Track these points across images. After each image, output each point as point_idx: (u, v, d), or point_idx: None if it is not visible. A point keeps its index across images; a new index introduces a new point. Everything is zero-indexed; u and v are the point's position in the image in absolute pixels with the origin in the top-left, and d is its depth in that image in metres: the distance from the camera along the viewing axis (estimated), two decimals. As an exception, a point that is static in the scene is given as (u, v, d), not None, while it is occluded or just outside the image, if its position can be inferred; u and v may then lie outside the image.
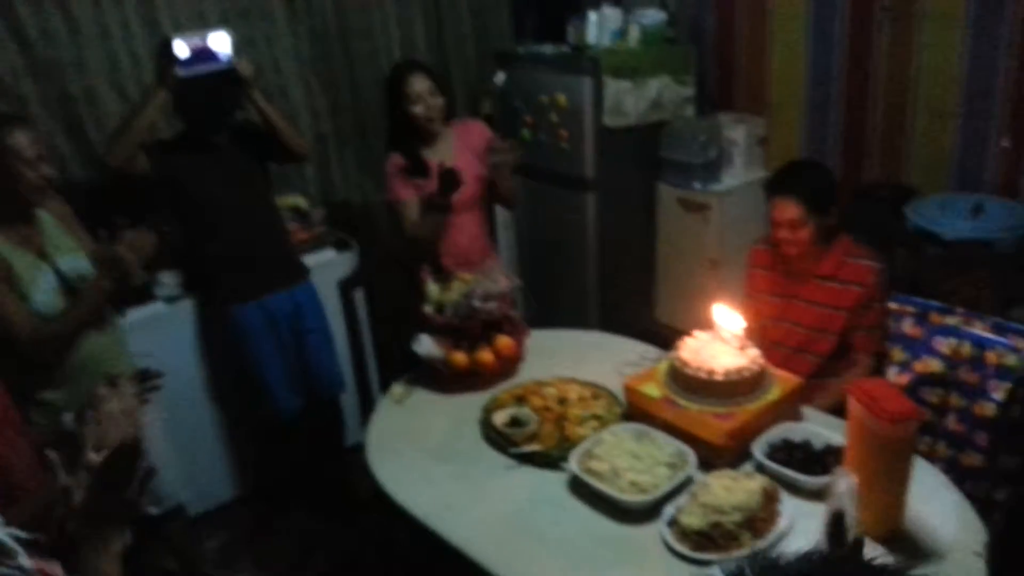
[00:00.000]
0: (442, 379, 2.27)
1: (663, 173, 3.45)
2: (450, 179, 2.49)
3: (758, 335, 2.32)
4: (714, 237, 3.28)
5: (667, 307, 3.57)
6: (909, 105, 3.04)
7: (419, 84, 2.57)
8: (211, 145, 2.56)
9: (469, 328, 2.29)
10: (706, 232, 3.31)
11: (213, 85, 2.44)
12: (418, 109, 2.58)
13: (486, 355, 2.26)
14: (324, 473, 3.02)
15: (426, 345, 2.28)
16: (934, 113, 2.98)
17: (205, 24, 2.97)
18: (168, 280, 2.78)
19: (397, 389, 2.29)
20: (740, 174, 3.36)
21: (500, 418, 2.03)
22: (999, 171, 2.85)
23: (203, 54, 2.39)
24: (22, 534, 1.24)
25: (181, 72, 2.36)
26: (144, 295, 2.72)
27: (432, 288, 2.39)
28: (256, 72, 2.59)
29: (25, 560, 1.17)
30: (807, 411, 2.01)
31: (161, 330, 2.72)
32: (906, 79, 3.02)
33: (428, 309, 2.34)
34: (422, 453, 2.00)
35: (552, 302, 3.60)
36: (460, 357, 2.25)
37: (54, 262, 2.11)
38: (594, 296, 3.49)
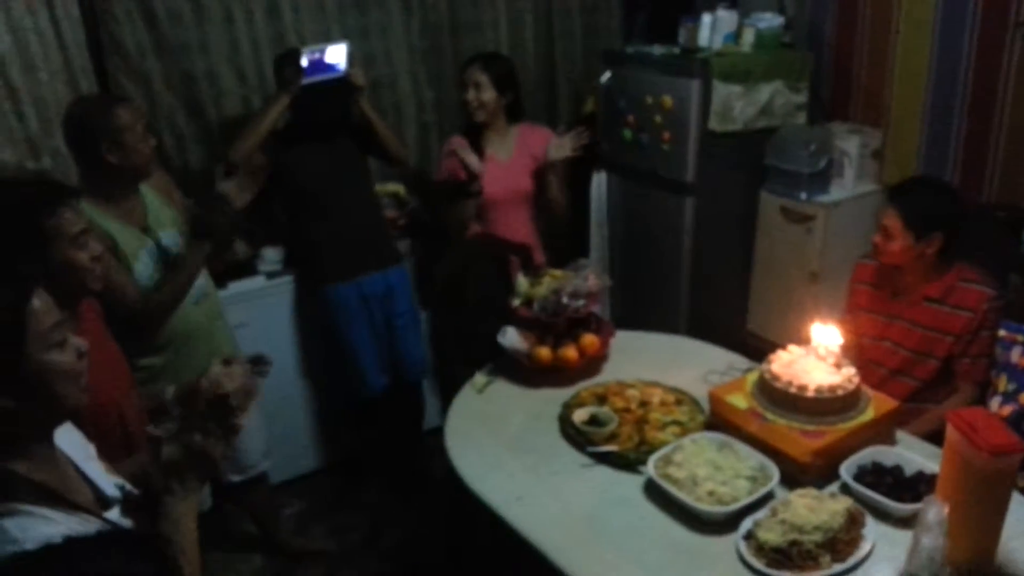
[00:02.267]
0: (524, 372, 2.29)
1: (767, 181, 3.35)
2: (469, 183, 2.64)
3: (856, 353, 2.24)
4: (816, 250, 3.16)
5: (761, 318, 3.47)
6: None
7: (475, 74, 2.71)
8: (322, 137, 2.72)
9: (555, 324, 2.30)
10: (808, 244, 3.19)
11: (328, 92, 2.64)
12: (468, 95, 2.71)
13: (570, 352, 2.26)
14: (402, 453, 3.10)
15: (511, 337, 2.30)
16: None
17: (324, 12, 3.10)
18: (271, 256, 2.92)
19: (479, 378, 2.31)
20: (850, 186, 3.23)
21: (580, 416, 2.02)
22: None
23: (321, 64, 2.62)
24: (128, 487, 1.32)
25: (302, 80, 2.60)
26: (247, 269, 2.85)
27: (522, 281, 2.41)
28: (367, 82, 2.78)
29: (116, 515, 1.23)
30: (902, 436, 1.92)
31: (260, 303, 2.86)
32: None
33: (516, 302, 2.36)
34: (499, 443, 2.02)
35: (642, 304, 3.56)
36: (544, 352, 2.26)
37: (156, 236, 2.20)
38: (685, 301, 3.42)
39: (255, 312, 2.82)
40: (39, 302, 1.08)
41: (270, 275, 2.91)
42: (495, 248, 2.77)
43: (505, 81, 2.77)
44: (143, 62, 2.84)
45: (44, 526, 1.00)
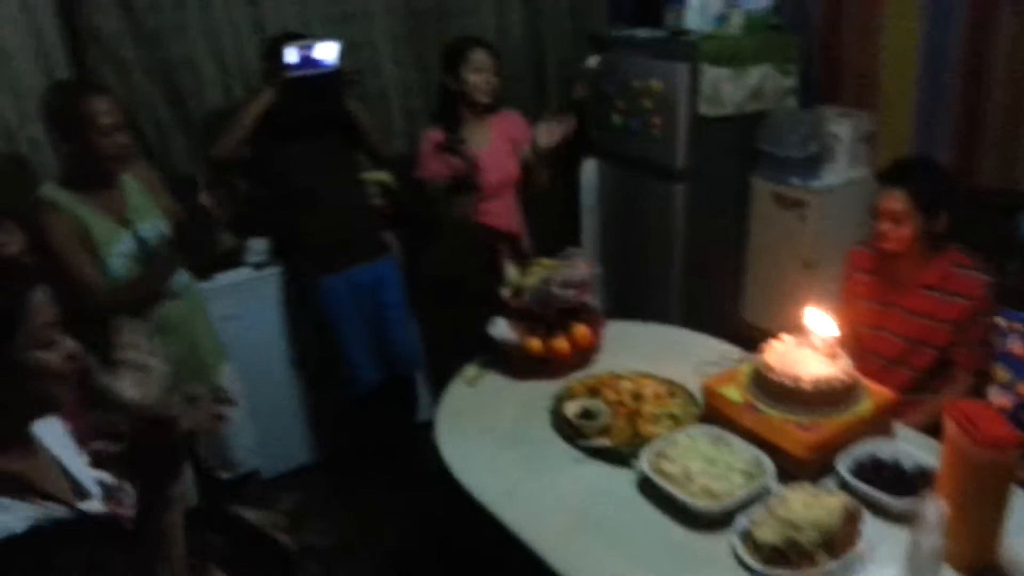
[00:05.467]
0: (515, 364, 2.25)
1: (759, 166, 3.31)
2: (460, 150, 2.63)
3: (852, 343, 2.20)
4: (810, 237, 3.13)
5: (756, 307, 3.43)
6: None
7: (484, 56, 2.69)
8: (308, 130, 2.68)
9: (546, 314, 2.26)
10: (802, 231, 3.15)
11: (316, 86, 2.58)
12: (479, 78, 2.68)
13: (561, 343, 2.22)
14: (396, 447, 3.07)
15: (502, 328, 2.26)
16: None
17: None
18: (258, 247, 2.86)
19: (470, 371, 2.27)
20: (843, 171, 3.18)
21: (571, 409, 1.99)
22: None
23: (310, 60, 2.56)
24: (110, 479, 1.30)
25: (289, 75, 2.53)
26: (233, 260, 2.79)
27: (511, 271, 2.37)
28: (356, 76, 2.73)
29: (96, 505, 1.21)
30: (900, 429, 1.89)
31: (248, 294, 2.81)
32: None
33: (506, 292, 2.32)
34: (489, 437, 1.98)
35: (635, 294, 3.53)
36: (535, 343, 2.22)
37: (135, 228, 2.15)
38: (678, 290, 3.39)
39: (243, 304, 2.78)
40: (35, 299, 1.09)
41: (257, 266, 2.86)
42: (483, 237, 2.73)
43: (500, 66, 2.76)
44: (120, 49, 2.76)
45: (4, 515, 1.01)
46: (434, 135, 2.75)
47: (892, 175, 2.18)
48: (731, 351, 2.27)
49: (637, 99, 3.32)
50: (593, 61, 3.50)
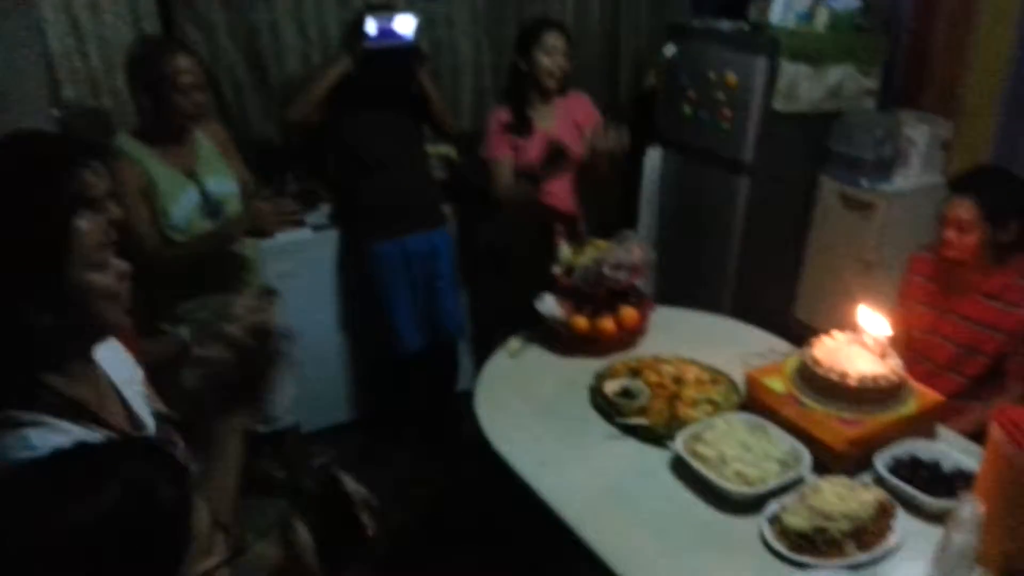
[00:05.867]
0: (560, 340, 2.27)
1: (828, 166, 3.24)
2: (558, 157, 2.60)
3: (904, 346, 2.16)
4: (874, 239, 3.06)
5: (809, 305, 3.37)
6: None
7: (557, 39, 2.69)
8: (380, 101, 2.73)
9: (595, 294, 2.27)
10: (866, 233, 3.08)
11: (392, 58, 2.64)
12: (549, 61, 2.68)
13: (607, 323, 2.24)
14: (434, 413, 3.12)
15: (549, 305, 2.28)
16: None
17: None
18: (319, 211, 2.94)
19: (514, 343, 2.31)
20: (915, 177, 3.10)
21: (611, 387, 2.00)
22: None
23: (389, 32, 2.61)
24: (167, 411, 1.34)
25: (367, 44, 2.59)
26: (295, 221, 2.88)
27: (565, 250, 2.39)
28: (428, 57, 2.79)
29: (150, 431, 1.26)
30: (943, 432, 1.85)
31: (305, 254, 2.89)
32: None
33: (557, 270, 2.34)
34: (528, 408, 2.01)
35: (688, 282, 3.50)
36: (581, 321, 2.24)
37: (202, 182, 2.21)
38: (732, 282, 3.35)
39: (301, 262, 2.86)
40: (85, 222, 1.09)
41: (317, 228, 2.94)
42: (541, 216, 2.75)
43: (572, 50, 2.78)
44: (209, 11, 2.86)
45: (62, 438, 1.02)
46: (501, 114, 2.77)
47: (962, 183, 2.16)
48: (779, 344, 2.25)
49: (711, 91, 3.29)
50: (669, 50, 3.48)
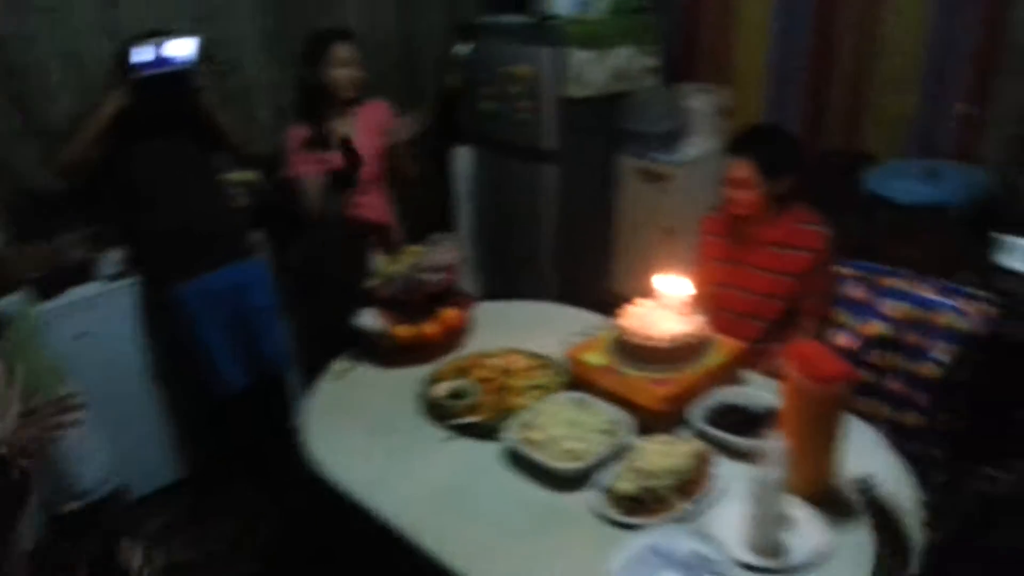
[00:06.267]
0: (385, 354, 2.22)
1: (624, 144, 3.40)
2: (350, 148, 2.58)
3: (707, 301, 2.29)
4: (671, 207, 3.24)
5: (623, 277, 3.52)
6: (872, 73, 3.00)
7: (346, 50, 2.66)
8: (160, 131, 2.58)
9: (414, 300, 2.25)
10: (664, 202, 3.26)
11: (168, 86, 2.48)
12: (341, 73, 2.64)
13: (430, 327, 2.22)
14: (267, 452, 2.98)
15: (369, 319, 2.24)
16: (895, 80, 2.93)
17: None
18: (111, 257, 2.72)
19: (339, 365, 2.24)
20: (701, 144, 3.31)
21: (440, 390, 1.98)
22: (957, 136, 2.81)
23: (160, 59, 2.46)
24: None
25: (136, 74, 2.43)
26: (84, 275, 2.66)
27: (379, 261, 2.35)
28: (220, 66, 2.67)
29: None
30: (751, 376, 1.98)
31: (100, 309, 2.64)
32: (871, 47, 2.97)
33: (373, 282, 2.30)
34: (358, 428, 1.95)
35: (512, 276, 3.56)
36: (404, 330, 2.21)
37: None
38: (552, 268, 3.44)
39: (98, 318, 2.62)
40: None
41: (110, 278, 2.72)
42: (352, 230, 2.70)
43: (364, 59, 2.75)
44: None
45: None
46: (299, 131, 2.71)
47: (738, 145, 2.32)
48: (597, 320, 2.32)
49: (506, 85, 3.36)
50: (462, 49, 3.52)
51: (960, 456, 1.96)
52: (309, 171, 2.68)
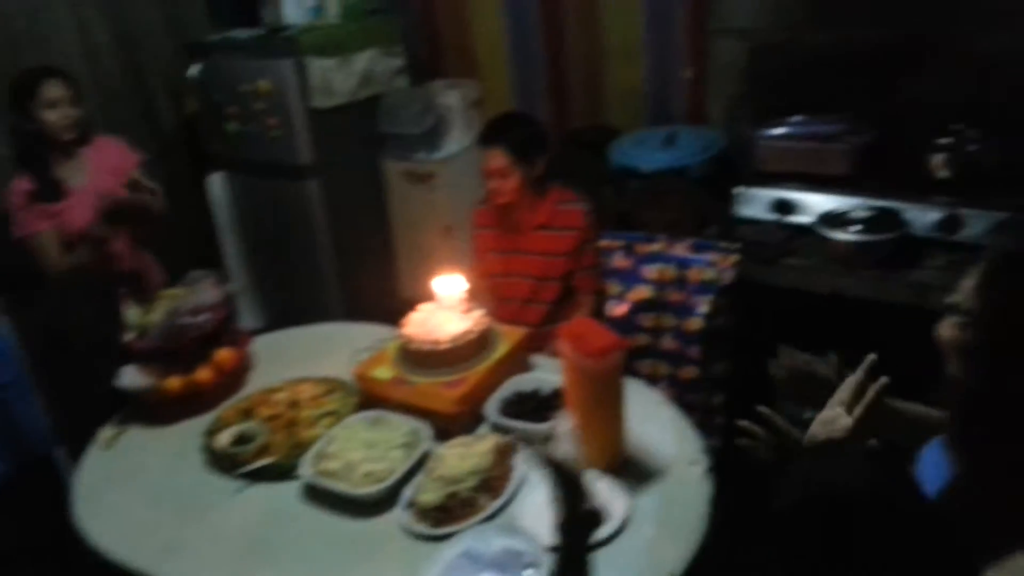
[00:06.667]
0: (160, 411, 2.04)
1: (385, 148, 3.36)
2: (119, 212, 2.38)
3: (491, 292, 2.32)
4: (443, 205, 3.25)
5: (410, 281, 3.49)
6: (602, 49, 3.16)
7: (56, 89, 2.40)
8: None
9: (182, 347, 2.08)
10: (435, 201, 3.26)
11: None
12: (53, 116, 2.38)
13: (204, 373, 2.06)
14: (51, 539, 2.66)
15: (131, 377, 2.03)
16: (624, 53, 3.11)
17: None
18: None
19: (106, 432, 2.02)
20: (460, 139, 3.33)
21: (223, 439, 1.84)
22: (686, 101, 3.04)
23: None
24: None
25: None
26: None
27: (131, 312, 2.14)
28: None
29: None
30: (540, 360, 2.02)
31: None
32: (595, 26, 3.13)
33: (129, 336, 2.09)
34: (139, 497, 1.78)
35: (295, 302, 3.41)
36: (174, 382, 2.03)
37: None
38: (336, 285, 3.34)
39: None
40: None
41: None
42: (98, 283, 2.44)
43: (80, 93, 2.48)
44: None
45: None
46: (22, 185, 2.40)
47: (487, 136, 2.35)
48: (384, 332, 2.26)
49: (248, 103, 3.19)
50: (194, 70, 3.30)
51: (734, 399, 2.14)
52: (40, 227, 2.39)
